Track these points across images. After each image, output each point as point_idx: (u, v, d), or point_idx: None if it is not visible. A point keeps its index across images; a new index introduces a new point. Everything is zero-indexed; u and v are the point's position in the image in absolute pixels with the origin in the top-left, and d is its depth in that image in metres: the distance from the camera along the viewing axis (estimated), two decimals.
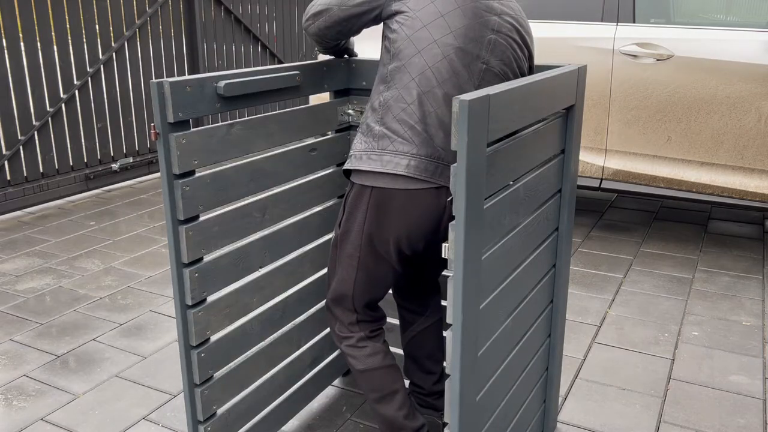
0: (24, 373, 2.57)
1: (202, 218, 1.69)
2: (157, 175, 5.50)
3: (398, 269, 1.81)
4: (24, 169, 4.47)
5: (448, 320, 1.32)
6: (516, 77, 1.75)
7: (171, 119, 1.56)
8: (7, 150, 4.35)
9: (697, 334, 2.84)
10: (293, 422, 2.26)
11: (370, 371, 1.83)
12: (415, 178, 1.65)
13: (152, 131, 1.57)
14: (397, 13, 1.69)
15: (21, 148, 4.44)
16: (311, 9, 1.81)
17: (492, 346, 1.52)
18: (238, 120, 1.74)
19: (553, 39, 3.76)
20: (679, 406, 2.34)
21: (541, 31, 3.82)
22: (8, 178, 4.39)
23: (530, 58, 1.81)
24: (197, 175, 1.65)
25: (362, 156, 1.70)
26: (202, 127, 1.64)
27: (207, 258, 1.73)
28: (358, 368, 1.84)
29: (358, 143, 1.73)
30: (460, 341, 1.32)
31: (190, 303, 1.68)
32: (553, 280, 1.94)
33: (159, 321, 2.98)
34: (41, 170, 4.59)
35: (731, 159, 3.45)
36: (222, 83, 1.66)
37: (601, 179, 3.79)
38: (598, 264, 3.58)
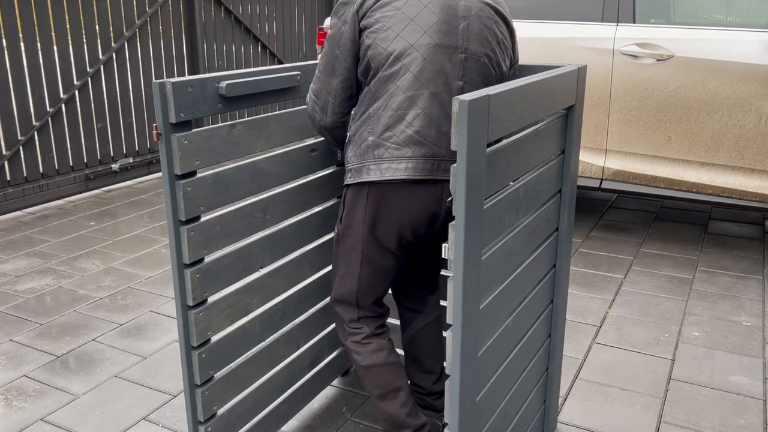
0: (24, 373, 2.57)
1: (203, 219, 1.69)
2: (157, 175, 5.50)
3: (401, 258, 1.84)
4: (24, 169, 4.48)
5: (448, 320, 1.32)
6: (499, 55, 1.75)
7: (173, 120, 1.56)
8: (7, 150, 4.35)
9: (698, 334, 2.84)
10: (293, 422, 2.26)
11: (374, 367, 1.84)
12: (412, 178, 1.69)
13: (154, 131, 1.57)
14: (367, 27, 1.70)
15: (21, 148, 4.44)
16: (311, 107, 1.84)
17: (492, 346, 1.53)
18: (239, 120, 1.74)
19: (554, 39, 3.76)
20: (680, 407, 2.34)
21: (541, 31, 3.82)
22: (8, 178, 4.40)
23: (510, 30, 1.80)
24: (199, 175, 1.65)
25: (361, 168, 1.73)
26: (204, 128, 1.64)
27: (208, 258, 1.73)
28: (362, 364, 1.85)
29: (353, 156, 1.75)
30: (460, 341, 1.32)
31: (191, 303, 1.68)
32: (553, 280, 1.94)
33: (159, 321, 2.98)
34: (41, 170, 4.59)
35: (731, 159, 3.45)
36: (224, 83, 1.66)
37: (602, 179, 3.79)
38: (598, 264, 3.58)
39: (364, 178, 1.72)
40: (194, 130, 1.62)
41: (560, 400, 2.38)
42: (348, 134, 1.82)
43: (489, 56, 1.72)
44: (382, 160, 1.69)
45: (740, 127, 3.39)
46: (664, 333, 2.85)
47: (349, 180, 1.77)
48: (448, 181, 1.70)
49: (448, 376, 1.36)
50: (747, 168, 3.43)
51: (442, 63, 1.67)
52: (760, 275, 3.43)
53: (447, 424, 1.39)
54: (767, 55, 3.30)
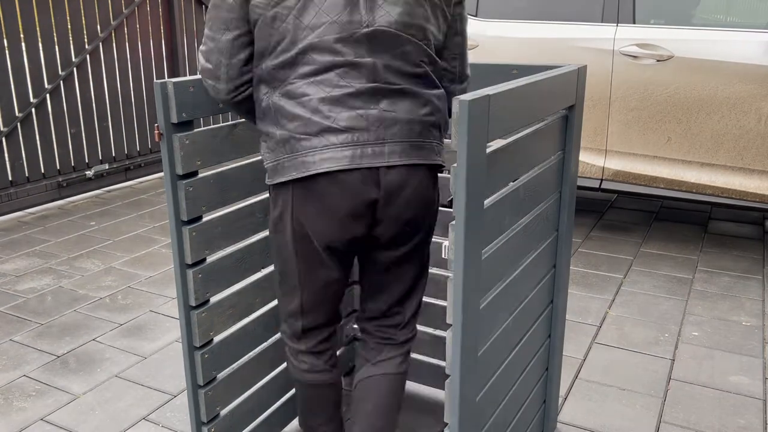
0: (24, 373, 2.57)
1: (205, 219, 1.70)
2: (158, 175, 5.50)
3: (330, 264, 1.60)
4: None
5: (448, 320, 1.32)
6: (420, 14, 1.51)
7: (174, 120, 1.56)
8: None
9: (697, 334, 2.85)
10: (294, 423, 2.26)
11: (299, 383, 1.76)
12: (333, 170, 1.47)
13: (156, 132, 1.57)
14: (274, 18, 1.46)
15: None
16: (203, 65, 1.56)
17: (492, 346, 1.53)
18: (240, 120, 1.75)
19: (554, 40, 3.77)
20: (679, 407, 2.35)
21: (541, 31, 3.82)
22: None
23: None
24: (200, 175, 1.66)
25: (276, 167, 1.52)
26: (205, 128, 1.65)
27: (210, 259, 1.73)
28: (291, 374, 1.77)
29: (267, 153, 1.54)
30: (460, 341, 1.33)
31: (193, 304, 1.68)
32: (553, 280, 1.95)
33: (159, 321, 2.98)
34: (10, 178, 4.42)
35: (731, 160, 3.46)
36: None
37: (601, 180, 3.80)
38: (598, 264, 3.58)
39: (282, 179, 1.52)
40: (196, 130, 1.62)
41: (560, 400, 2.39)
42: None
43: (402, 23, 1.48)
44: (295, 154, 1.50)
45: (740, 128, 3.39)
46: (664, 333, 2.86)
47: (269, 181, 1.57)
48: (383, 167, 1.48)
49: (448, 376, 1.37)
50: (747, 168, 3.44)
51: (343, 41, 1.46)
52: (760, 275, 3.44)
53: (447, 423, 1.39)
54: (767, 55, 3.30)
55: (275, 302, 2.01)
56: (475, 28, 4.01)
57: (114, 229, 4.16)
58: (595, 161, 3.79)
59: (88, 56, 4.81)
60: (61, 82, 4.65)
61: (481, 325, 1.43)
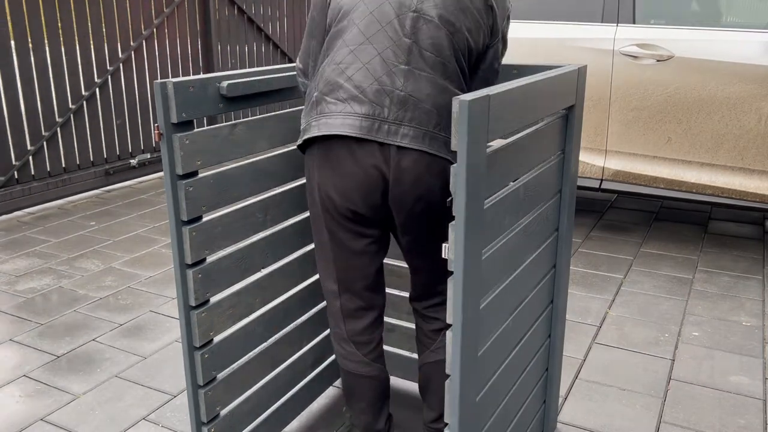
0: (24, 373, 2.57)
1: (205, 219, 1.70)
2: (158, 175, 5.51)
3: (367, 236, 1.71)
4: (47, 164, 4.65)
5: (448, 320, 1.33)
6: (463, 23, 1.62)
7: (174, 120, 1.56)
8: (31, 146, 4.53)
9: (698, 334, 2.85)
10: (295, 423, 2.26)
11: (343, 371, 1.87)
12: (350, 135, 1.58)
13: (156, 132, 1.57)
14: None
15: (45, 143, 4.60)
16: (298, 76, 1.80)
17: (492, 346, 1.53)
18: (240, 120, 1.75)
19: (554, 40, 3.77)
20: (680, 407, 2.35)
21: (541, 31, 3.82)
22: (32, 172, 4.56)
23: (489, 5, 1.66)
24: (200, 175, 1.66)
25: (306, 127, 1.65)
26: (206, 128, 1.65)
27: (210, 259, 1.73)
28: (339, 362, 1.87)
29: (302, 117, 1.69)
30: (460, 341, 1.33)
31: (193, 304, 1.68)
32: (553, 280, 1.95)
33: (159, 321, 2.98)
34: (63, 165, 4.77)
35: (731, 160, 3.46)
36: (225, 83, 1.67)
37: (601, 180, 3.80)
38: (598, 264, 3.58)
39: (307, 136, 1.64)
40: (196, 130, 1.62)
41: (560, 400, 2.39)
42: None
43: (446, 20, 1.60)
44: (322, 115, 1.61)
45: (740, 128, 3.39)
46: (664, 333, 2.86)
47: (298, 141, 1.70)
48: (395, 146, 1.57)
49: (448, 376, 1.37)
50: (747, 168, 3.44)
51: (390, 19, 1.59)
52: (760, 275, 3.44)
53: (447, 424, 1.39)
54: (767, 55, 3.30)
55: (275, 302, 2.01)
56: None
57: (114, 229, 4.16)
58: (595, 161, 3.79)
59: (132, 53, 5.18)
60: (109, 76, 5.01)
61: (481, 325, 1.43)
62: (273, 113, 1.87)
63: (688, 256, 3.69)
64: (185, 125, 1.61)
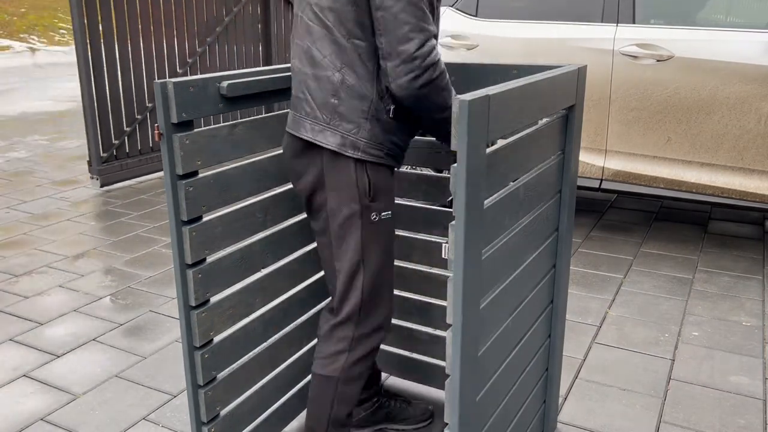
0: (24, 373, 2.57)
1: (205, 219, 1.70)
2: (158, 175, 5.51)
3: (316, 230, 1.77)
4: (139, 143, 5.36)
5: (448, 320, 1.33)
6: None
7: (174, 119, 1.56)
8: (127, 127, 5.24)
9: (698, 334, 2.85)
10: (294, 423, 2.26)
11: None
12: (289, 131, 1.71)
13: (156, 132, 1.57)
14: None
15: (137, 125, 5.31)
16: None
17: (492, 346, 1.53)
18: (240, 120, 1.75)
19: (554, 40, 3.77)
20: (680, 407, 2.35)
21: (541, 31, 3.82)
22: (127, 150, 5.28)
23: None
24: (200, 175, 1.66)
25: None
26: (206, 128, 1.65)
27: (210, 259, 1.73)
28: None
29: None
30: (460, 341, 1.33)
31: (193, 304, 1.69)
32: (553, 280, 1.95)
33: (159, 321, 2.98)
34: (150, 145, 5.46)
35: (731, 160, 3.46)
36: (225, 84, 1.67)
37: (601, 180, 3.80)
38: (598, 264, 3.58)
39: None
40: (196, 130, 1.62)
41: (560, 400, 2.39)
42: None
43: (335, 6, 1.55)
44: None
45: (740, 128, 3.40)
46: (664, 333, 2.86)
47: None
48: (309, 143, 1.63)
49: (448, 375, 1.37)
50: (747, 168, 3.44)
51: (304, 12, 1.63)
52: (760, 275, 3.44)
53: (447, 424, 1.39)
54: (767, 55, 3.30)
55: (275, 302, 2.01)
56: (475, 28, 4.01)
57: (114, 229, 4.16)
58: (595, 161, 3.79)
59: (207, 47, 5.93)
60: (188, 68, 5.74)
61: (481, 325, 1.43)
62: (273, 113, 1.87)
63: (688, 256, 3.69)
64: (185, 125, 1.61)
